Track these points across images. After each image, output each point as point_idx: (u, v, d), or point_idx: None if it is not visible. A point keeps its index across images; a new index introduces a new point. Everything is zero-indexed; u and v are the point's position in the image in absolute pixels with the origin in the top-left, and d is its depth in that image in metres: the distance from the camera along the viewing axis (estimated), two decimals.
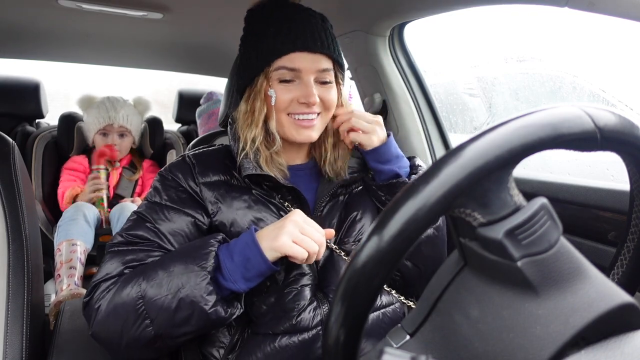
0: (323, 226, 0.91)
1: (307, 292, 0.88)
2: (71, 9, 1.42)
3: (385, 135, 0.95)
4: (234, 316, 0.78)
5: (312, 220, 0.80)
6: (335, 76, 0.92)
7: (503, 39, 1.80)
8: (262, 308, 0.87)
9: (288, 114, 0.89)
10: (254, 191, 0.90)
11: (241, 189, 0.90)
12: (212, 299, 0.74)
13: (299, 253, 0.76)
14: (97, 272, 0.83)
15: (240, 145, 0.90)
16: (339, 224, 0.96)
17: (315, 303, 0.88)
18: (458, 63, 2.13)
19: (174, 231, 0.85)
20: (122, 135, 2.24)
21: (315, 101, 0.86)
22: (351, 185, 0.99)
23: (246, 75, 0.90)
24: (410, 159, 1.01)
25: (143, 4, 1.39)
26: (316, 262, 0.90)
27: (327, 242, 0.89)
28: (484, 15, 1.43)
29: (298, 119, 0.88)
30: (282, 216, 0.89)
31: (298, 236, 0.76)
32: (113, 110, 2.19)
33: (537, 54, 1.68)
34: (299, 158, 0.99)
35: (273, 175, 0.88)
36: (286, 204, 0.91)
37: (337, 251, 0.92)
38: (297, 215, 0.79)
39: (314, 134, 0.90)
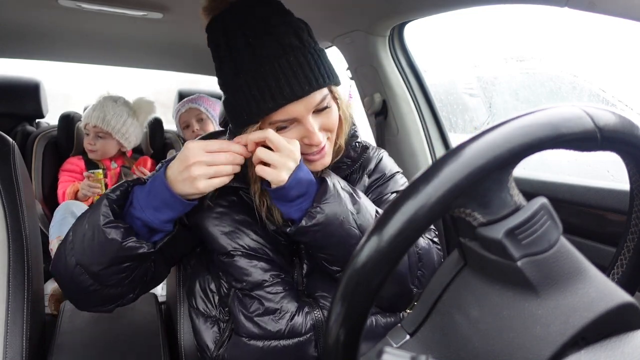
0: None
1: (293, 297, 0.87)
2: (71, 9, 1.42)
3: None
4: (140, 250, 0.75)
5: (215, 141, 0.76)
6: (331, 91, 0.82)
7: (503, 39, 1.80)
8: (247, 311, 0.86)
9: None
10: (240, 192, 0.88)
11: (226, 190, 0.85)
12: (106, 219, 0.74)
13: (215, 185, 0.74)
14: None
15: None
16: None
17: (306, 308, 0.87)
18: (458, 63, 2.13)
19: None
20: (98, 136, 2.11)
21: (320, 141, 0.79)
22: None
23: (237, 125, 0.82)
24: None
25: (143, 4, 1.39)
26: (300, 267, 0.90)
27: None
28: (484, 15, 1.43)
29: (308, 153, 0.81)
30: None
31: (209, 171, 0.73)
32: (92, 109, 2.10)
33: (537, 54, 1.68)
34: None
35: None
36: None
37: None
38: (193, 145, 0.74)
39: (327, 159, 0.83)
